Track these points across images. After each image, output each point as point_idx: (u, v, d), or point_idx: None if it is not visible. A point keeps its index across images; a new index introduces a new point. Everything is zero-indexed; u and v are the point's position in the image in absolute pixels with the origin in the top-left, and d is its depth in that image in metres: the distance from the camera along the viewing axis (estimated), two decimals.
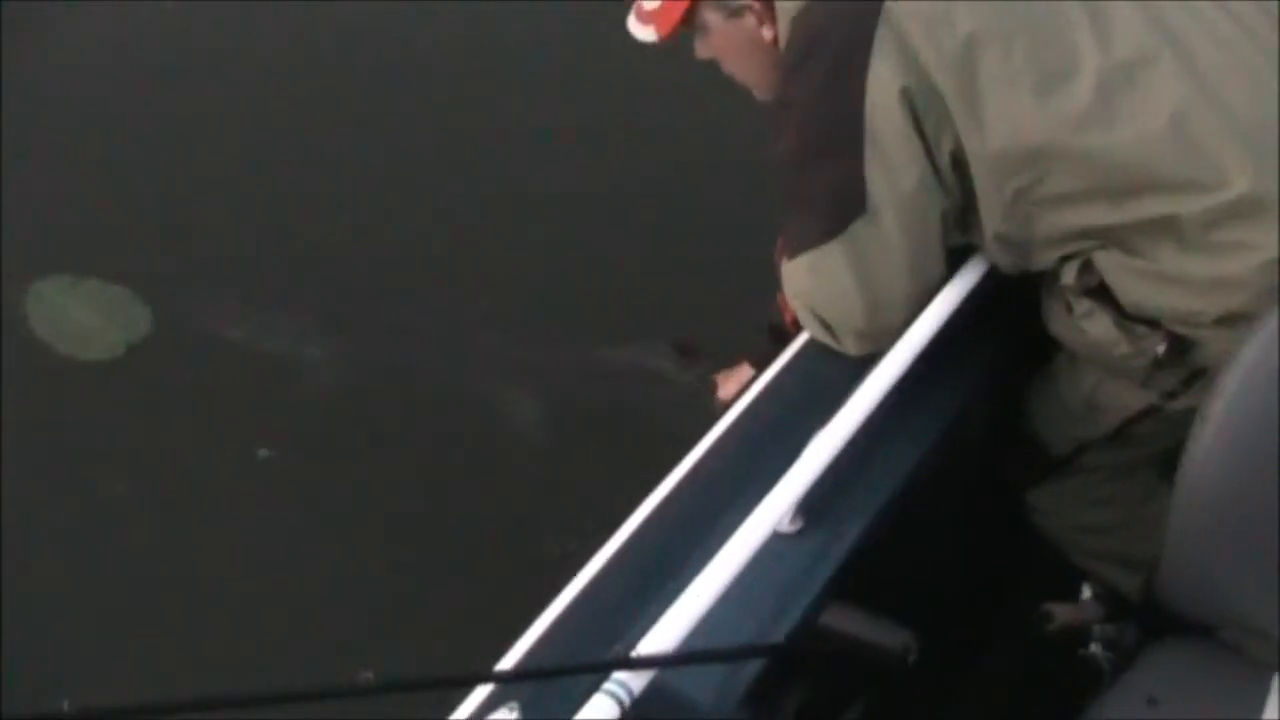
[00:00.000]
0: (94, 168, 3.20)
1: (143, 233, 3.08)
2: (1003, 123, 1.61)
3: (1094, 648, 1.76)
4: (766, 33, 1.84)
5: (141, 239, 3.06)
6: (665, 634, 1.33)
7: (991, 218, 1.68)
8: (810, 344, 1.80)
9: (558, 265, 3.02)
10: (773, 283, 1.99)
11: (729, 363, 2.49)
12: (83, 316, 2.91)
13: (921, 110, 1.63)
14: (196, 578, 2.47)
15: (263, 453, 2.65)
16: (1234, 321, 1.55)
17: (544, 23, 3.48)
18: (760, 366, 2.28)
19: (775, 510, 1.45)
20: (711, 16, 1.88)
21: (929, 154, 1.65)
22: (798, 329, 1.85)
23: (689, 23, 1.89)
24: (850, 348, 1.74)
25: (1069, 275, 1.68)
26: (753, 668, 1.46)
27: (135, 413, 2.74)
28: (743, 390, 2.23)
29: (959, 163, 1.65)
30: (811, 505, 1.54)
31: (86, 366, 2.82)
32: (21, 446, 2.61)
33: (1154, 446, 1.79)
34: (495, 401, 2.78)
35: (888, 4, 1.63)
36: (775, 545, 1.48)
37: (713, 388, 2.49)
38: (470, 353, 2.86)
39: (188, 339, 2.87)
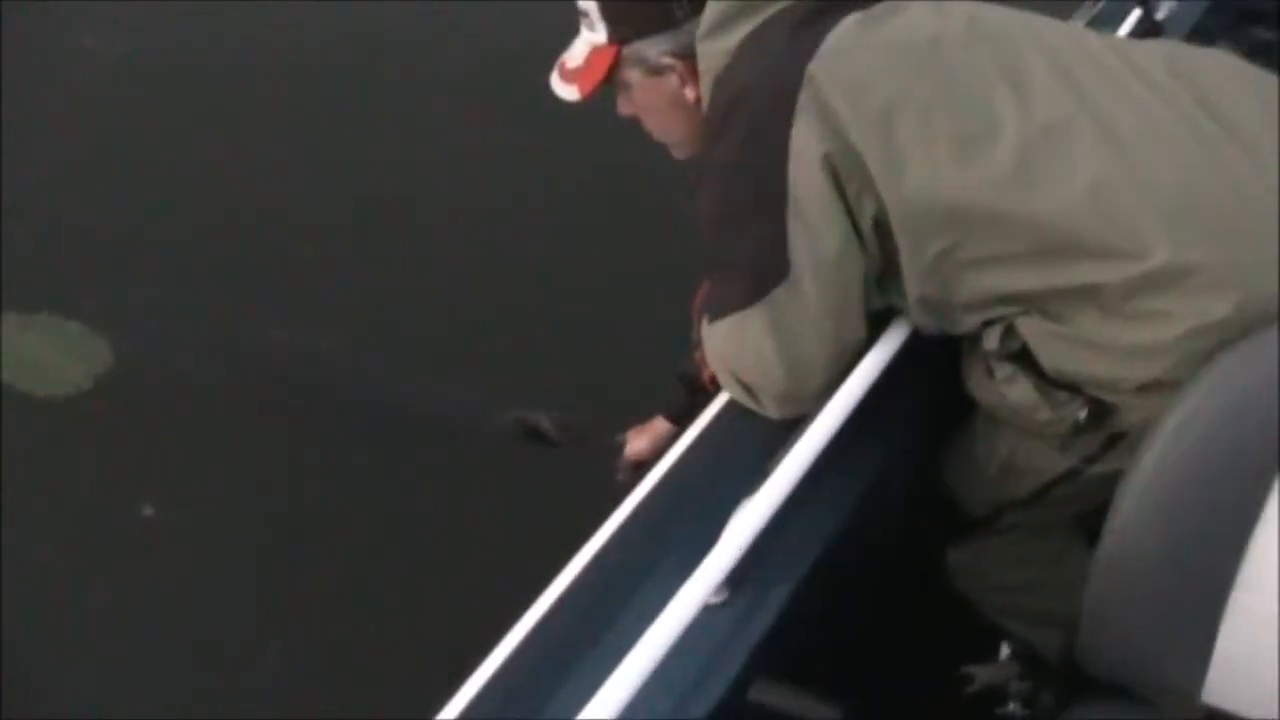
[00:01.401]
0: (23, 198, 3.17)
1: (87, 263, 3.06)
2: (922, 186, 1.61)
3: (1012, 706, 1.77)
4: (689, 92, 1.84)
5: (87, 270, 3.04)
6: (595, 712, 1.30)
7: (913, 280, 1.68)
8: (730, 404, 1.79)
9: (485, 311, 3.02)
10: (684, 333, 2.01)
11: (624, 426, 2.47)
12: (40, 353, 2.82)
13: (844, 174, 1.63)
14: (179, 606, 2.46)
15: (148, 510, 2.58)
16: (1155, 389, 1.55)
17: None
18: (675, 417, 2.29)
19: (705, 584, 1.42)
20: (633, 75, 1.87)
21: (851, 217, 1.64)
22: (716, 387, 1.84)
23: (611, 81, 1.88)
24: (771, 410, 1.73)
25: (991, 340, 1.68)
26: None
27: (106, 446, 2.71)
28: (657, 448, 2.24)
29: (881, 225, 1.65)
30: (735, 575, 1.52)
31: (51, 403, 2.78)
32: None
33: (1070, 509, 1.80)
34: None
35: (810, 69, 1.63)
36: (701, 617, 1.45)
37: (623, 443, 2.46)
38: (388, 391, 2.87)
39: (151, 370, 2.86)
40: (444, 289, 3.10)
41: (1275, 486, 1.44)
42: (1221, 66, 1.74)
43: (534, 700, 1.44)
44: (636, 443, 2.31)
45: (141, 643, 2.41)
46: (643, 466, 2.20)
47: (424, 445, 2.72)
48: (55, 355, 2.86)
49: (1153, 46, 1.80)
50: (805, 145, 1.62)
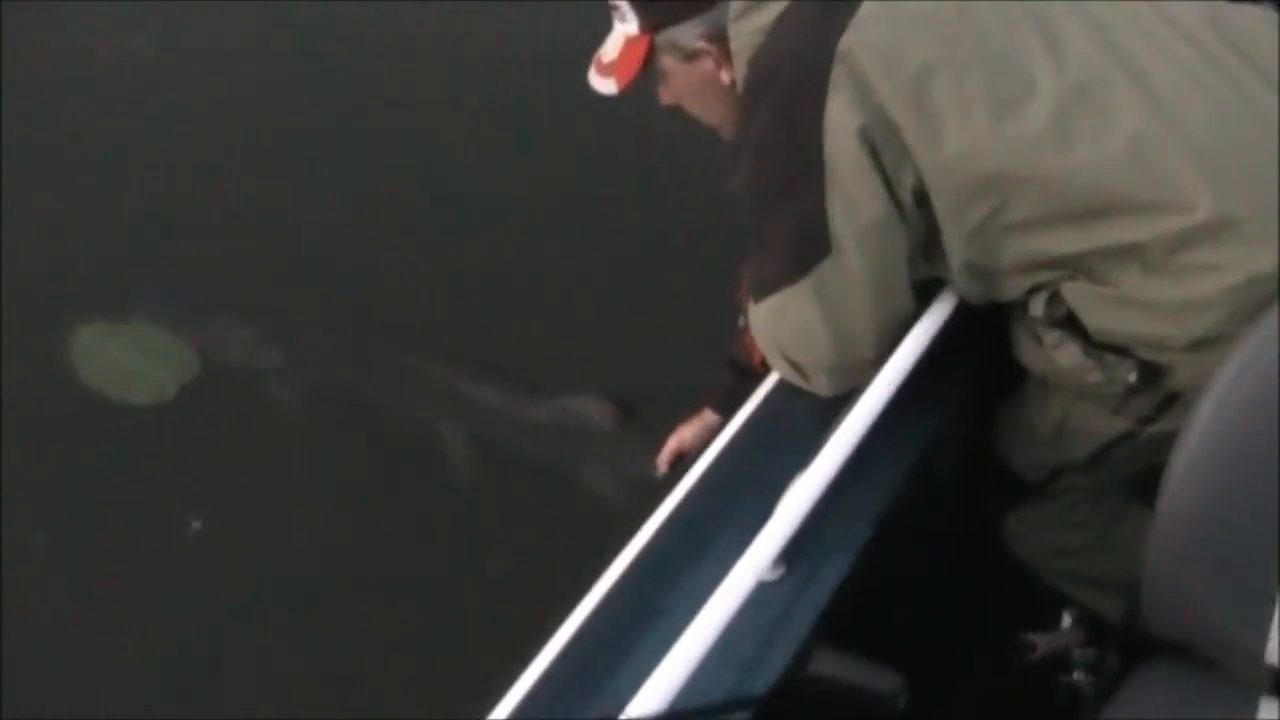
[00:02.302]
0: (99, 202, 3.24)
1: (172, 269, 3.11)
2: (961, 151, 1.61)
3: (1076, 674, 1.76)
4: (724, 76, 1.84)
5: (173, 276, 3.09)
6: (655, 692, 1.31)
7: (956, 248, 1.68)
8: (780, 384, 1.79)
9: (517, 304, 3.02)
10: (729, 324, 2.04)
11: (667, 416, 2.45)
12: (128, 362, 2.87)
13: (880, 146, 1.62)
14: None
15: (195, 525, 2.63)
16: (1205, 345, 1.55)
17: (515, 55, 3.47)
18: (722, 403, 2.28)
19: (759, 560, 1.43)
20: (669, 62, 1.88)
21: (890, 189, 1.64)
22: (766, 369, 1.85)
23: (648, 71, 1.88)
24: (821, 387, 1.74)
25: (1037, 307, 1.68)
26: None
27: (190, 452, 2.77)
28: (708, 435, 2.24)
29: (921, 195, 1.65)
30: (790, 550, 1.53)
31: (140, 411, 2.85)
32: (85, 492, 2.66)
33: (1128, 470, 1.79)
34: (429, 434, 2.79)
35: (842, 43, 1.62)
36: (757, 593, 1.46)
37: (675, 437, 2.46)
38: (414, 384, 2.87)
39: (236, 376, 2.90)
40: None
41: None
42: (1260, 18, 1.72)
43: (595, 680, 1.46)
44: (683, 432, 2.30)
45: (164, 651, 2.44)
46: (685, 458, 2.21)
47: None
48: (144, 363, 2.90)
49: (1189, 3, 1.76)
50: (841, 119, 1.62)
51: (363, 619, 2.51)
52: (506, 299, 3.06)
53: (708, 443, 1.79)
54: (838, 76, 1.62)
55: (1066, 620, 1.79)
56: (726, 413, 2.21)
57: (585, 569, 1.61)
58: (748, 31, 1.74)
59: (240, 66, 3.63)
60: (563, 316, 3.00)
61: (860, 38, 1.63)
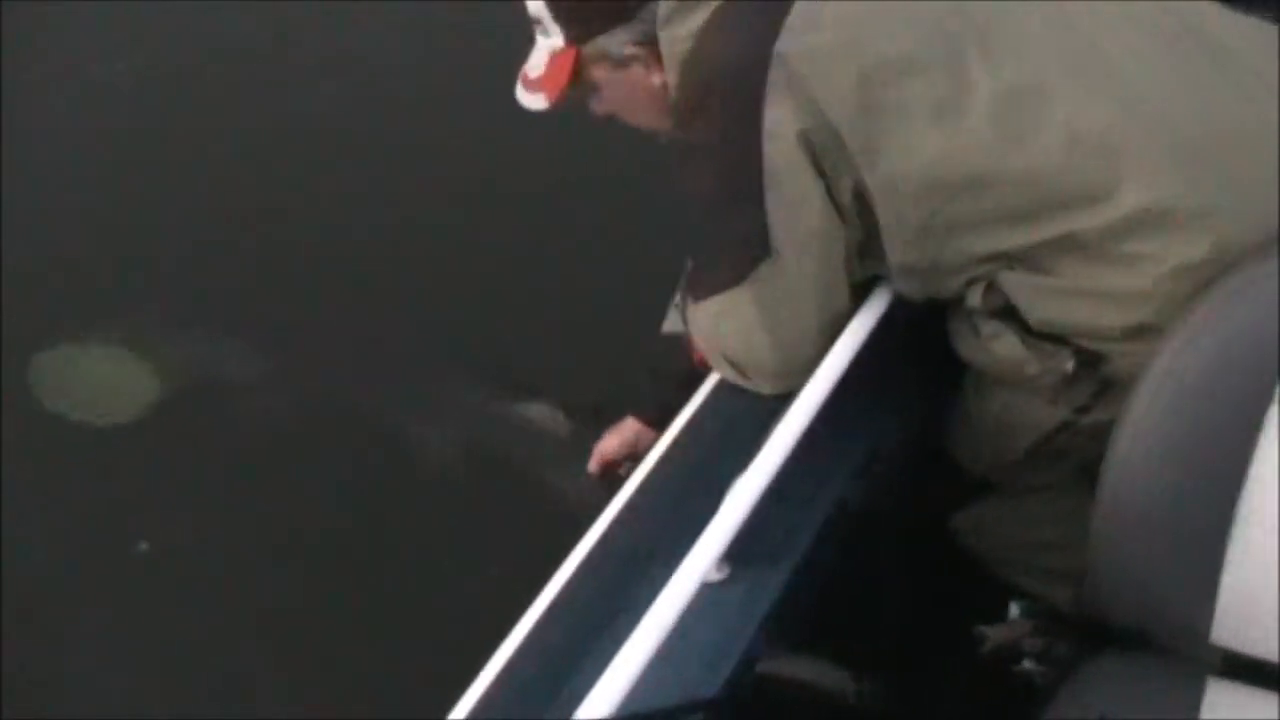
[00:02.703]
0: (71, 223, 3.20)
1: (131, 287, 3.06)
2: (900, 155, 1.61)
3: (1026, 663, 1.77)
4: (656, 79, 1.82)
5: (131, 294, 3.04)
6: (603, 696, 1.30)
7: (895, 249, 1.68)
8: (722, 384, 1.79)
9: (491, 308, 3.02)
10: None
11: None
12: (90, 384, 2.85)
13: (820, 149, 1.62)
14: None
15: (143, 545, 2.60)
16: (1142, 334, 1.55)
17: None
18: (645, 410, 2.26)
19: (702, 561, 1.43)
20: (599, 72, 1.85)
21: (830, 192, 1.64)
22: (706, 368, 1.84)
23: (576, 83, 1.85)
24: (763, 387, 1.74)
25: (974, 298, 1.68)
26: None
27: (158, 474, 2.72)
28: (632, 442, 2.23)
29: (860, 197, 1.65)
30: (736, 551, 1.52)
31: (103, 432, 2.78)
32: (43, 516, 2.61)
33: (1070, 461, 1.79)
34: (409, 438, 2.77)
35: (779, 47, 1.61)
36: (704, 595, 1.46)
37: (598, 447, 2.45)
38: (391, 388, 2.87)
39: (200, 393, 2.86)
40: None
41: (1271, 421, 1.44)
42: (1214, 8, 1.70)
43: (542, 694, 1.45)
44: (607, 442, 2.25)
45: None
46: (614, 467, 2.21)
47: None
48: (106, 385, 2.87)
49: None
50: (780, 124, 1.61)
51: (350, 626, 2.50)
52: (481, 305, 3.05)
53: (633, 449, 1.77)
54: (775, 81, 1.61)
55: (1014, 611, 1.80)
56: (652, 418, 2.21)
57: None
58: (678, 36, 1.73)
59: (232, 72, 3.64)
60: (538, 323, 2.99)
61: (797, 42, 1.62)
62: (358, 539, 2.59)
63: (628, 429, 2.21)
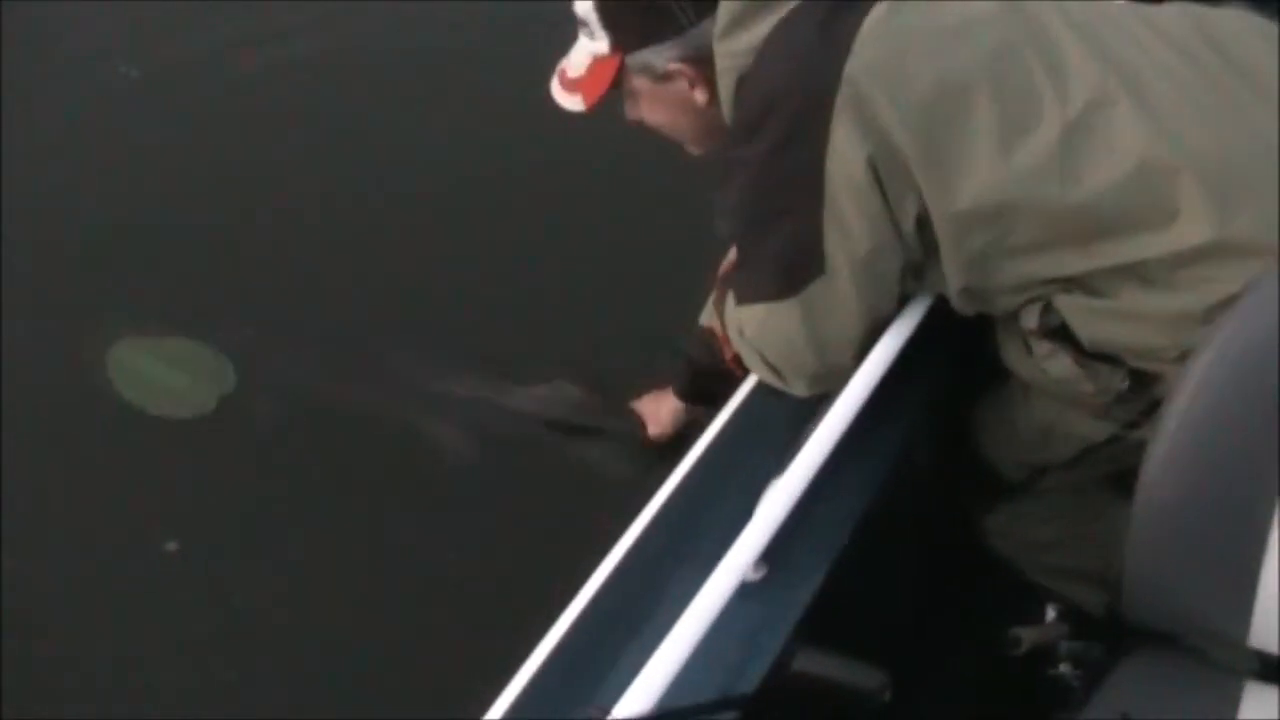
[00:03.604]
0: (126, 216, 3.24)
1: (203, 279, 3.08)
2: (967, 181, 1.59)
3: (1063, 667, 1.77)
4: (698, 95, 1.80)
5: (202, 286, 3.06)
6: (642, 693, 1.31)
7: (954, 271, 1.66)
8: (758, 386, 1.80)
9: (496, 297, 3.03)
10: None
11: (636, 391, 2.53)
12: (167, 376, 2.87)
13: (885, 174, 1.60)
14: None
15: (171, 545, 2.61)
16: None
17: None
18: (684, 390, 2.31)
19: (742, 560, 1.44)
20: (640, 82, 1.84)
21: (891, 216, 1.62)
22: (739, 366, 1.85)
23: (615, 89, 1.84)
24: (799, 389, 1.74)
25: (1030, 319, 1.67)
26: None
27: (235, 464, 2.73)
28: (677, 423, 2.27)
29: (923, 222, 1.63)
30: (772, 550, 1.53)
31: (182, 425, 2.80)
32: (131, 510, 2.62)
33: (1110, 469, 1.80)
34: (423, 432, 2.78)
35: (847, 70, 1.59)
36: (740, 593, 1.47)
37: (640, 423, 2.49)
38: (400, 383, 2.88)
39: (275, 389, 2.87)
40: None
41: None
42: (1245, 27, 1.70)
43: (581, 689, 1.46)
44: (657, 418, 2.34)
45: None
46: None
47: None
48: (180, 377, 2.91)
49: (1175, 11, 1.74)
50: (846, 145, 1.59)
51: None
52: (481, 293, 3.07)
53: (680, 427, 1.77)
54: (842, 103, 1.58)
55: (1051, 614, 1.80)
56: (690, 399, 2.29)
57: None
58: (737, 50, 1.70)
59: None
60: (535, 307, 3.01)
61: (866, 62, 1.59)
62: (385, 536, 2.59)
63: (667, 403, 2.32)
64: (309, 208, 3.29)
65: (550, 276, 3.05)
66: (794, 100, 1.62)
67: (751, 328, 1.75)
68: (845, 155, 1.59)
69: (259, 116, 3.56)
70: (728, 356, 1.91)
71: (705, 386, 2.00)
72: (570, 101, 1.88)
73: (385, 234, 3.20)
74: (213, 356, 2.91)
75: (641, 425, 2.48)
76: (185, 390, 2.87)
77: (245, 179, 3.37)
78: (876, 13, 1.62)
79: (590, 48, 1.84)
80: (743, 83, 1.70)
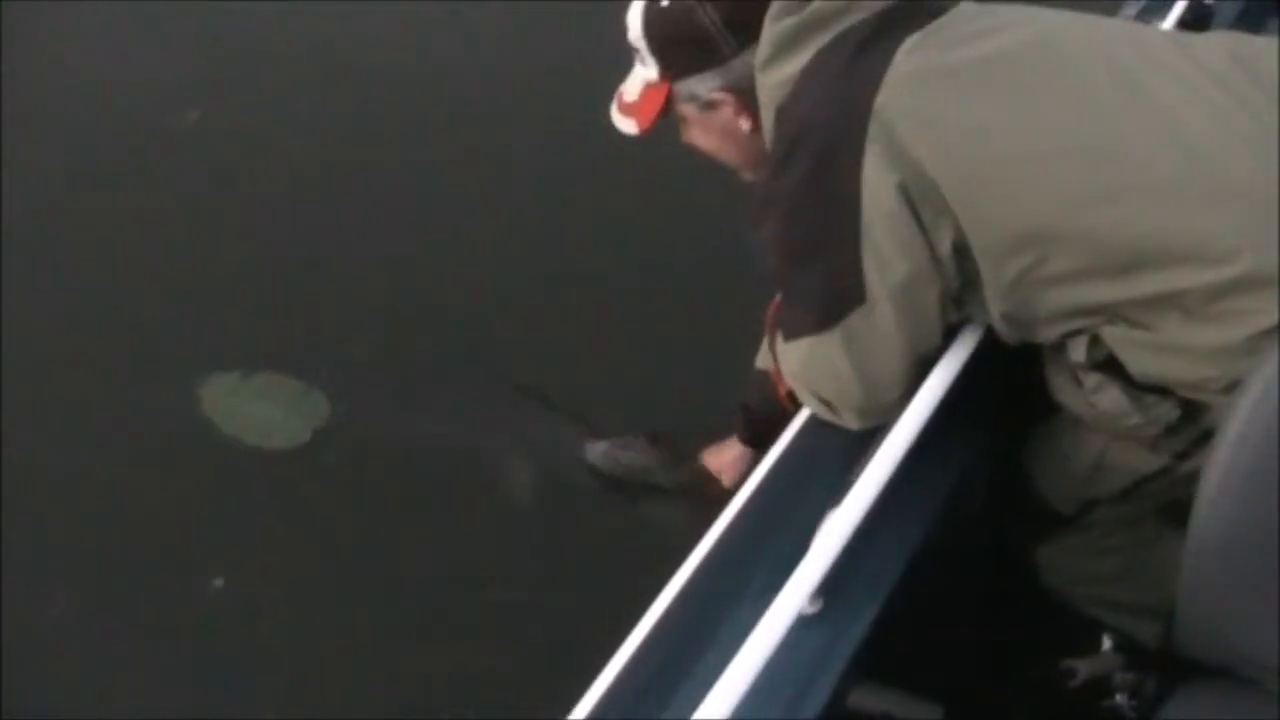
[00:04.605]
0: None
1: (282, 313, 3.12)
2: (1001, 209, 1.60)
3: (1118, 698, 1.77)
4: (744, 123, 1.86)
5: (281, 320, 3.10)
6: None
7: (994, 297, 1.67)
8: (810, 419, 1.82)
9: (574, 342, 3.04)
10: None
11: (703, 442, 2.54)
12: (260, 410, 2.93)
13: (918, 202, 1.62)
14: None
15: (218, 582, 2.65)
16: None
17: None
18: (749, 439, 2.33)
19: (799, 593, 1.46)
20: (687, 109, 1.90)
21: (926, 240, 1.64)
22: (794, 403, 1.87)
23: (668, 114, 1.91)
24: (852, 423, 1.76)
25: (1078, 351, 1.68)
26: None
27: (328, 498, 2.77)
28: (746, 469, 2.29)
29: (960, 248, 1.65)
30: (828, 583, 1.55)
31: (277, 455, 2.85)
32: (239, 540, 2.67)
33: (1162, 500, 1.80)
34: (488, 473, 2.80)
35: (877, 103, 1.61)
36: (797, 627, 1.48)
37: (705, 474, 2.52)
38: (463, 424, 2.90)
39: (367, 422, 2.91)
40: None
41: None
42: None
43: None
44: (724, 469, 2.36)
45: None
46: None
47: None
48: (275, 410, 2.96)
49: (1213, 40, 1.75)
50: (878, 176, 1.61)
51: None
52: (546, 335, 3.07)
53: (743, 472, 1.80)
54: (873, 134, 1.61)
55: (1107, 644, 1.80)
56: (754, 444, 2.31)
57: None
58: (776, 82, 1.73)
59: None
60: (618, 353, 3.00)
61: (895, 98, 1.61)
62: (445, 577, 2.62)
63: (735, 451, 2.30)
64: (392, 241, 3.29)
65: (638, 323, 3.05)
66: (824, 133, 1.65)
67: (799, 363, 1.77)
68: (876, 184, 1.61)
69: (257, 119, 3.56)
70: (782, 394, 1.93)
71: (766, 430, 2.02)
72: (626, 125, 1.95)
73: (471, 270, 3.20)
74: (302, 389, 2.95)
75: (710, 480, 2.51)
76: (279, 423, 2.91)
77: (255, 193, 3.38)
78: (908, 45, 1.65)
79: (643, 74, 1.92)
80: (780, 115, 1.74)
